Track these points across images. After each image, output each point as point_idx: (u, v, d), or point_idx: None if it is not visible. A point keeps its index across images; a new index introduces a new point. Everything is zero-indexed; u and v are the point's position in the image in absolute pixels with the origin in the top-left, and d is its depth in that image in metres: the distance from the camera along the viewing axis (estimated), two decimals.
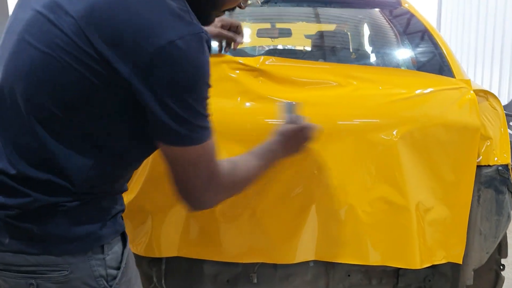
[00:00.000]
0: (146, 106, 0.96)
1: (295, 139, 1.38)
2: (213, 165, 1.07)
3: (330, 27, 3.19)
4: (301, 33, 3.79)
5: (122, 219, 1.13)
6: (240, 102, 1.55)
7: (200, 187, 1.08)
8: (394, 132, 1.53)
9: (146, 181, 1.52)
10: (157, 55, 0.92)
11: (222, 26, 1.62)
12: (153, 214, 1.56)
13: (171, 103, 0.95)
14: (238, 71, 1.59)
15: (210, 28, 1.56)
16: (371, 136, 1.53)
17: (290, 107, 1.44)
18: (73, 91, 0.95)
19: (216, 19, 1.58)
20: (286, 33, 3.64)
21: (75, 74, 0.94)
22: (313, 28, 3.17)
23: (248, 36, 3.82)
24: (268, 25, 3.71)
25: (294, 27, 3.71)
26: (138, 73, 0.93)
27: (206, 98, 1.01)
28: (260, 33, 3.62)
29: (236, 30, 1.65)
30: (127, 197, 1.55)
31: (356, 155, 1.54)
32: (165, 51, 0.92)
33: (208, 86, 1.01)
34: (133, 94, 0.95)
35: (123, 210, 1.13)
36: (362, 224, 1.55)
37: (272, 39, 3.93)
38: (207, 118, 1.02)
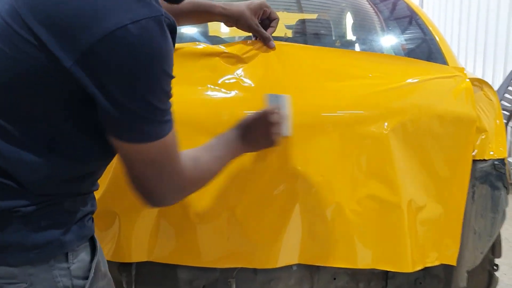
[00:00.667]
0: (93, 98, 0.83)
1: (257, 128, 1.25)
2: (174, 161, 0.95)
3: (312, 16, 3.06)
4: (282, 23, 3.66)
5: (93, 221, 1.01)
6: (218, 91, 1.41)
7: (160, 186, 0.95)
8: (385, 124, 1.41)
9: (111, 180, 1.37)
10: (104, 42, 0.78)
11: (264, 13, 1.48)
12: (120, 216, 1.41)
13: (121, 97, 0.82)
14: (216, 59, 1.44)
15: (247, 21, 1.44)
16: (359, 129, 1.40)
17: (276, 100, 1.31)
18: (9, 82, 0.83)
19: (257, 4, 1.45)
20: None
21: (12, 62, 0.81)
22: (294, 18, 3.04)
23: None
24: None
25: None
26: (83, 63, 0.79)
27: (166, 90, 0.87)
28: None
29: (271, 23, 1.52)
30: None
31: (344, 149, 1.41)
32: (114, 37, 0.78)
33: (169, 76, 0.87)
34: (78, 86, 0.82)
35: (93, 212, 1.01)
36: (350, 224, 1.42)
37: None
38: (166, 111, 0.89)
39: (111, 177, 1.37)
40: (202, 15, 1.45)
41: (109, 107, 0.82)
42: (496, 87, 4.91)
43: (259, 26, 1.46)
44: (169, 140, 0.90)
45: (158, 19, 0.81)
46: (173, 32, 0.87)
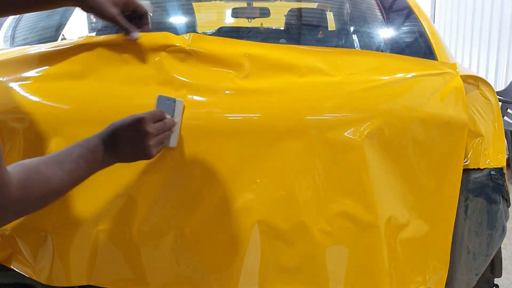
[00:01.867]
0: None
1: (127, 136, 1.05)
2: None
3: (312, 5, 2.86)
4: (281, 12, 3.48)
5: None
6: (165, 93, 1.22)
7: None
8: (358, 130, 1.20)
9: None
10: None
11: (128, 5, 1.26)
12: (53, 234, 1.23)
13: None
14: (160, 53, 1.25)
15: (104, 9, 1.21)
16: (328, 135, 1.20)
17: (167, 104, 1.13)
18: None
19: None
20: (264, 13, 3.33)
21: None
22: (294, 7, 2.84)
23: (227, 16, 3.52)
24: (244, 4, 3.41)
25: (273, 6, 3.39)
26: None
27: None
28: (236, 13, 3.30)
29: (140, 18, 1.31)
30: None
31: (309, 159, 1.21)
32: None
33: None
34: None
35: None
36: (318, 246, 1.23)
37: (249, 20, 3.63)
38: None
39: None
40: (48, 1, 1.21)
41: None
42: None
43: (120, 15, 1.24)
44: None
45: None
46: None
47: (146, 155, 1.09)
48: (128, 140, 1.05)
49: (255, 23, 3.62)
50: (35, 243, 1.26)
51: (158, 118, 1.09)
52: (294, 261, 1.24)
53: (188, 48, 1.24)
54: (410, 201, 1.29)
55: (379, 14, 1.83)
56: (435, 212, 1.31)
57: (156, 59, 1.23)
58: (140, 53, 1.24)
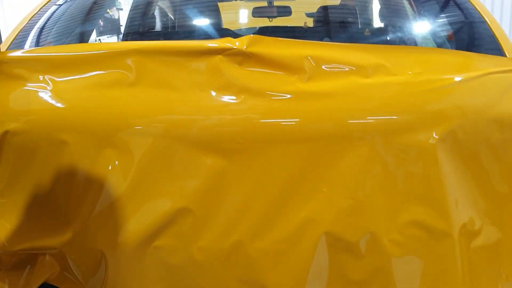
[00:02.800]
0: None
1: None
2: None
3: (335, 2, 2.78)
4: (302, 10, 3.41)
5: None
6: (220, 97, 1.15)
7: None
8: (430, 133, 1.13)
9: (96, 213, 1.13)
10: None
11: None
12: (107, 252, 1.16)
13: None
14: (217, 57, 1.18)
15: None
16: (399, 139, 1.13)
17: None
18: None
19: None
20: (285, 11, 3.26)
21: None
22: (315, 4, 2.77)
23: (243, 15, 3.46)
24: (264, 3, 3.34)
25: (294, 4, 3.32)
26: None
27: None
28: (256, 12, 3.23)
29: None
30: (68, 233, 1.16)
31: (379, 165, 1.13)
32: None
33: None
34: None
35: None
36: (388, 257, 1.15)
37: (270, 19, 3.55)
38: None
39: (94, 211, 1.13)
40: None
41: None
42: None
43: None
44: None
45: None
46: None
47: None
48: None
49: (276, 22, 3.54)
50: (88, 262, 1.19)
51: None
52: (364, 274, 1.17)
53: (246, 50, 1.16)
54: (482, 207, 1.21)
55: (441, 8, 1.75)
56: (508, 218, 1.23)
57: (213, 64, 1.16)
58: (196, 57, 1.16)
